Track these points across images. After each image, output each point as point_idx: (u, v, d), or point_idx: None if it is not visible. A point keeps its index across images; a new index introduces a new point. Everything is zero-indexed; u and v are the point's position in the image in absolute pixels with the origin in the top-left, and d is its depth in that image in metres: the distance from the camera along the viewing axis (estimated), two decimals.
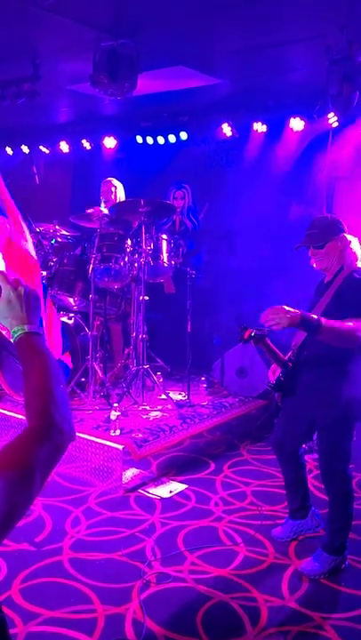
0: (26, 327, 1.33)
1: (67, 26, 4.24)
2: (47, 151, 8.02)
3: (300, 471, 3.67)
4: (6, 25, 4.36)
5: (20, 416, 5.13)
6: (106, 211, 5.88)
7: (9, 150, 8.35)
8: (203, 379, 6.11)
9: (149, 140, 7.16)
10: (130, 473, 4.57)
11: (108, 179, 6.30)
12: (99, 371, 5.31)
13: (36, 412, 1.13)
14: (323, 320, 2.91)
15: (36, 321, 1.34)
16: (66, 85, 5.90)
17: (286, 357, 3.35)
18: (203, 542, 3.64)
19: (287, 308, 2.91)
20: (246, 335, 3.13)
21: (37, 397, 1.17)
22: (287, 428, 3.58)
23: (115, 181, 6.26)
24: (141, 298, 5.27)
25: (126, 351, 5.76)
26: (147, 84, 4.88)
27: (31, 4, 3.84)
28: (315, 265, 3.33)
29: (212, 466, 4.86)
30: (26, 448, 1.05)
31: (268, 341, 3.21)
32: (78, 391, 5.30)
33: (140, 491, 4.37)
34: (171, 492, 4.36)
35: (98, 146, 7.61)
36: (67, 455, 4.68)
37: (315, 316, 2.94)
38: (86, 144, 7.66)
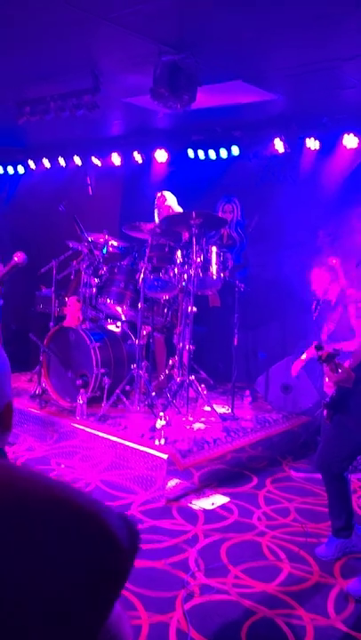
0: None
1: (129, 39, 4.33)
2: (99, 163, 8.16)
3: (346, 491, 3.61)
4: (69, 37, 4.47)
5: (66, 421, 5.20)
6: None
7: (62, 161, 8.53)
8: (247, 393, 6.09)
9: (201, 154, 7.22)
10: (172, 483, 4.57)
11: (163, 192, 6.38)
12: (144, 380, 5.34)
13: None
14: None
15: None
16: (121, 98, 6.00)
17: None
18: (246, 556, 3.61)
19: None
20: (325, 355, 3.14)
21: None
22: (335, 449, 3.53)
23: (168, 194, 6.33)
24: (190, 309, 5.30)
25: (171, 361, 5.78)
26: (203, 97, 4.93)
27: (96, 15, 3.94)
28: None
29: (255, 480, 4.82)
30: None
31: (337, 360, 3.21)
32: (123, 399, 5.34)
33: (182, 501, 4.36)
34: (213, 504, 4.34)
35: (149, 158, 7.71)
36: (110, 462, 4.72)
37: None
38: (138, 157, 7.77)
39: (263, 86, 5.34)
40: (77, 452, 5.07)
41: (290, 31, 4.25)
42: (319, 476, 3.88)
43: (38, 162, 8.84)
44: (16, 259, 4.00)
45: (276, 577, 3.39)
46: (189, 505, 4.30)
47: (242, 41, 4.44)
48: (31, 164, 8.94)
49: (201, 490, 4.58)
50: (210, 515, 4.17)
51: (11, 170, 9.34)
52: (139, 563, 3.45)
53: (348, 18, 3.97)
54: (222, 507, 4.31)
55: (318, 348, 3.19)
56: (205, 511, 4.22)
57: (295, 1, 3.76)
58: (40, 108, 5.42)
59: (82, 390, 5.25)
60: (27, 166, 9.06)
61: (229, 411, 5.54)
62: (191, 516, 4.14)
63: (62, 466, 4.88)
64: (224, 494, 4.51)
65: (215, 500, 4.39)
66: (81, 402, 5.14)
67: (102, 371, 5.37)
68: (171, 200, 6.32)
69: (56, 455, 5.06)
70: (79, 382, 5.32)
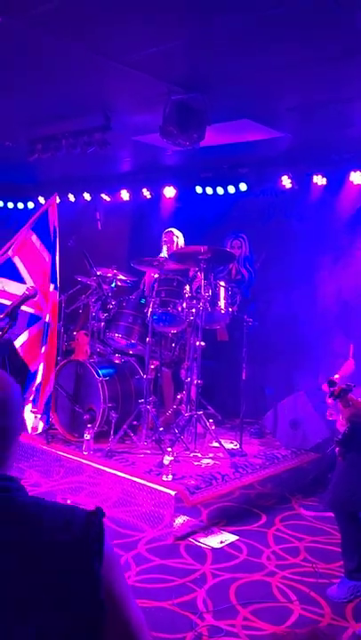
0: None
1: (140, 79, 4.44)
2: (108, 199, 8.28)
3: (360, 531, 3.54)
4: (82, 78, 4.59)
5: (72, 457, 5.15)
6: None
7: (71, 197, 8.66)
8: (254, 428, 6.03)
9: (209, 191, 7.31)
10: (180, 520, 4.49)
11: (171, 229, 6.44)
12: (152, 414, 5.30)
13: None
14: None
15: None
16: (131, 136, 6.12)
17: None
18: (256, 597, 3.52)
19: None
20: (337, 391, 3.12)
21: None
22: (348, 487, 3.47)
23: (176, 231, 6.39)
24: (198, 343, 5.29)
25: (179, 396, 5.75)
26: (212, 135, 5.01)
27: (109, 58, 4.04)
28: None
29: (264, 518, 4.74)
30: None
31: (351, 396, 3.18)
32: (131, 434, 5.30)
33: (190, 539, 4.28)
34: (221, 542, 4.26)
35: (157, 194, 7.82)
36: (117, 498, 4.66)
37: None
38: (146, 193, 7.88)
39: (271, 125, 5.44)
40: (84, 487, 5.01)
41: (299, 72, 4.34)
42: (330, 514, 3.81)
43: (48, 198, 8.97)
44: (27, 291, 4.02)
45: (286, 619, 3.30)
46: (197, 543, 4.22)
47: (250, 81, 4.54)
48: (41, 199, 9.08)
49: (209, 528, 4.50)
50: (218, 553, 4.09)
51: (21, 205, 9.48)
52: (146, 602, 3.37)
53: (356, 59, 4.06)
54: (231, 545, 4.22)
55: (331, 383, 3.17)
56: (214, 550, 4.13)
57: (304, 43, 3.86)
58: (52, 145, 5.53)
59: (89, 425, 5.22)
60: (36, 202, 9.20)
61: (238, 446, 5.48)
62: (199, 554, 4.06)
63: (68, 502, 4.81)
64: (232, 532, 4.42)
65: (223, 539, 4.31)
66: (88, 437, 5.10)
67: (110, 405, 5.34)
68: (178, 237, 6.38)
69: (62, 491, 5.00)
70: (87, 417, 5.29)
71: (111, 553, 1.14)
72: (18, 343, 4.67)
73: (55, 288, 4.82)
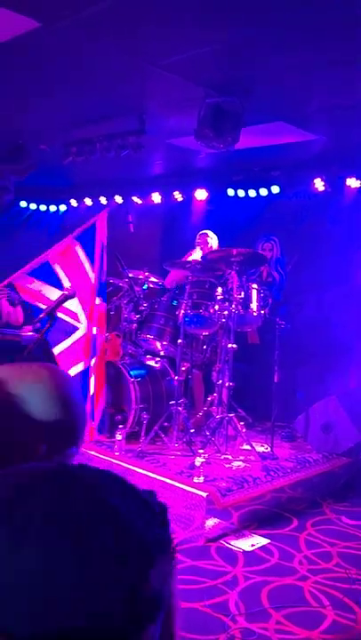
0: None
1: (175, 83, 4.47)
2: (140, 202, 8.34)
3: None
4: (119, 80, 4.63)
5: (104, 457, 5.18)
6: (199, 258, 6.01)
7: (103, 200, 8.74)
8: (286, 432, 6.00)
9: (241, 193, 7.31)
10: (211, 522, 4.49)
11: (205, 231, 6.45)
12: (183, 416, 5.32)
13: None
14: None
15: None
16: (164, 139, 6.15)
17: None
18: (288, 601, 3.50)
19: None
20: None
21: None
22: None
23: (211, 233, 6.40)
24: (230, 346, 5.29)
25: (210, 398, 5.75)
26: (245, 138, 5.01)
27: (146, 62, 4.08)
28: None
29: (295, 522, 4.71)
30: None
31: None
32: (162, 435, 5.32)
33: (221, 541, 4.28)
34: (253, 545, 4.24)
35: (189, 197, 7.84)
36: None
37: None
38: (178, 196, 7.91)
39: (305, 127, 5.41)
40: None
41: (333, 73, 4.32)
42: None
43: (80, 200, 9.07)
44: (65, 292, 4.08)
45: (319, 624, 3.28)
46: (229, 545, 4.22)
47: (285, 83, 4.53)
48: (73, 202, 9.18)
49: (240, 530, 4.49)
50: (250, 556, 4.08)
51: (53, 208, 9.60)
52: (179, 603, 3.37)
53: None
54: (262, 548, 4.21)
55: None
56: (245, 552, 4.13)
57: (339, 44, 3.84)
58: (86, 149, 5.59)
59: (120, 426, 5.25)
60: (68, 205, 9.31)
61: (269, 449, 5.45)
62: (230, 556, 4.05)
63: None
64: (264, 536, 4.41)
65: (255, 542, 4.30)
66: (119, 437, 5.14)
67: (141, 406, 5.37)
68: (213, 239, 6.39)
69: None
70: (118, 417, 5.33)
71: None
72: (57, 350, 4.77)
73: (103, 301, 4.92)
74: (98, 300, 4.87)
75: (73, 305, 4.81)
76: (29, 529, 0.57)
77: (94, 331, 4.83)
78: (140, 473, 4.81)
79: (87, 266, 4.95)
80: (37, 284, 4.70)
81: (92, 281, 4.93)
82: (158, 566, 0.61)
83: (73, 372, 4.87)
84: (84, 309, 4.91)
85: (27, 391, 1.11)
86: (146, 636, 0.61)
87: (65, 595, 0.55)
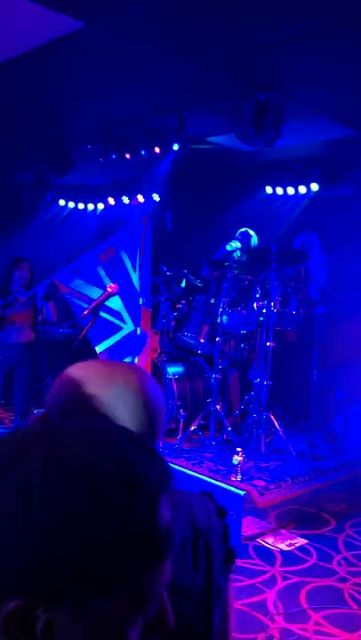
0: None
1: (216, 79, 4.46)
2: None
3: None
4: (158, 79, 4.65)
5: None
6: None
7: (140, 198, 8.77)
8: (324, 432, 5.94)
9: (279, 191, 7.25)
10: (247, 521, 4.48)
11: (245, 228, 6.43)
12: (220, 414, 5.31)
13: None
14: None
15: None
16: (204, 136, 6.15)
17: None
18: (327, 602, 3.47)
19: None
20: None
21: None
22: None
23: (251, 231, 6.38)
24: (268, 344, 5.26)
25: (247, 397, 5.72)
26: (285, 134, 4.98)
27: (187, 59, 4.08)
28: None
29: (333, 523, 4.66)
30: None
31: None
32: (199, 433, 5.32)
33: (258, 540, 4.26)
34: (291, 545, 4.22)
35: (226, 195, 7.80)
36: None
37: None
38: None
39: (347, 123, 5.34)
40: None
41: None
42: None
43: (118, 199, 9.12)
44: (109, 289, 4.12)
45: (360, 627, 3.24)
46: (266, 545, 4.20)
47: (327, 79, 4.48)
48: (111, 200, 9.24)
49: (278, 530, 4.46)
50: (287, 556, 4.05)
51: (91, 206, 9.68)
52: None
53: None
54: (300, 548, 4.18)
55: None
56: (283, 552, 4.10)
57: None
58: (126, 147, 5.62)
59: None
60: (106, 203, 9.37)
61: (306, 449, 5.40)
62: (268, 556, 4.04)
63: None
64: (302, 536, 4.37)
65: (293, 542, 4.27)
66: None
67: (178, 403, 5.38)
68: (252, 236, 6.36)
69: None
70: None
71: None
72: (100, 348, 4.84)
73: (143, 303, 4.97)
74: (140, 300, 4.92)
75: (117, 305, 4.88)
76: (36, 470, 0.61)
77: (138, 331, 4.89)
78: (178, 470, 4.83)
79: (129, 267, 5.00)
80: (78, 283, 4.77)
81: (135, 282, 4.99)
82: (164, 502, 0.66)
83: None
84: (127, 309, 4.97)
85: (116, 393, 1.06)
86: (157, 574, 0.64)
87: (78, 524, 0.59)
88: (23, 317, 5.58)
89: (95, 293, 4.68)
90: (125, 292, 4.96)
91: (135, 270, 5.00)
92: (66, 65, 4.47)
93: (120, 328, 4.93)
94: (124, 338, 4.99)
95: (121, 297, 4.77)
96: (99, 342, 4.88)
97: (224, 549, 1.14)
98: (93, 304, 3.79)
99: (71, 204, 9.70)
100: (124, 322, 4.98)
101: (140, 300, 4.90)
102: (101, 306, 3.91)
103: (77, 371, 1.11)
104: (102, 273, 4.85)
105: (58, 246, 9.11)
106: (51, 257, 8.74)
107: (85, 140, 6.40)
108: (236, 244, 6.00)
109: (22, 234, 8.95)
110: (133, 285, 4.96)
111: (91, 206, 9.67)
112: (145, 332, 4.94)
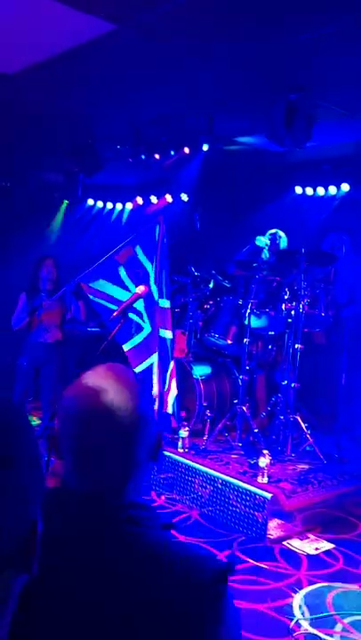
0: None
1: (245, 80, 4.44)
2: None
3: None
4: (188, 80, 4.65)
5: (168, 453, 5.22)
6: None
7: (168, 198, 8.78)
8: (352, 435, 5.87)
9: (309, 191, 7.20)
10: (273, 523, 4.46)
11: (274, 229, 6.39)
12: (247, 415, 5.29)
13: None
14: None
15: None
16: (232, 136, 6.13)
17: None
18: (354, 608, 3.43)
19: None
20: None
21: None
22: None
23: (280, 232, 6.34)
24: (297, 346, 5.22)
25: (274, 399, 5.70)
26: (315, 135, 4.94)
27: (217, 61, 4.08)
28: None
29: (360, 528, 4.61)
30: None
31: None
32: (225, 434, 5.32)
33: (284, 543, 4.24)
34: (317, 549, 4.19)
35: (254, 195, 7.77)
36: (210, 497, 4.69)
37: None
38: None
39: None
40: (177, 484, 5.07)
41: None
42: None
43: (145, 198, 9.15)
44: (138, 291, 4.14)
45: None
46: (292, 548, 4.17)
47: (358, 79, 4.43)
48: (139, 200, 9.26)
49: (304, 533, 4.43)
50: (314, 560, 4.02)
51: (119, 206, 9.72)
52: (242, 603, 3.37)
53: None
54: (326, 553, 4.14)
55: None
56: (309, 556, 4.07)
57: None
58: (155, 148, 5.64)
59: (185, 422, 5.28)
60: (135, 202, 9.40)
61: (335, 452, 5.36)
62: (294, 559, 4.01)
63: (163, 497, 4.91)
64: (328, 540, 4.34)
65: (319, 545, 4.23)
66: (184, 434, 5.17)
67: (205, 404, 5.39)
68: (281, 237, 6.33)
69: (156, 486, 5.10)
70: (183, 414, 5.36)
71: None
72: (126, 347, 4.88)
73: (166, 300, 5.02)
74: (161, 301, 4.96)
75: (140, 305, 4.91)
76: None
77: (161, 333, 4.94)
78: (204, 471, 4.83)
79: (148, 267, 5.03)
80: (103, 283, 4.82)
81: (152, 281, 5.02)
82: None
83: (141, 368, 4.97)
84: (146, 309, 5.00)
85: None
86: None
87: None
88: (50, 317, 5.62)
89: (118, 293, 4.72)
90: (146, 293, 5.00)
91: (152, 270, 5.02)
92: (96, 67, 4.50)
93: (142, 328, 4.97)
94: (145, 339, 5.04)
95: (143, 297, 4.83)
96: (125, 341, 4.92)
97: None
98: (123, 305, 3.82)
99: (100, 204, 9.77)
100: (145, 322, 5.02)
101: (157, 298, 4.93)
102: (130, 307, 3.93)
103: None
104: (123, 273, 4.89)
105: (86, 245, 9.18)
106: (79, 256, 8.82)
107: (115, 140, 6.43)
108: (266, 240, 5.96)
109: (51, 233, 9.05)
110: (150, 285, 4.99)
111: (119, 206, 9.72)
112: (165, 331, 4.99)
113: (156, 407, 5.16)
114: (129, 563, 0.99)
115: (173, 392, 5.09)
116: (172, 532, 1.16)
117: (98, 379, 1.09)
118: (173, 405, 5.09)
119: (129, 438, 1.07)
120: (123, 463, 1.07)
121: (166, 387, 5.06)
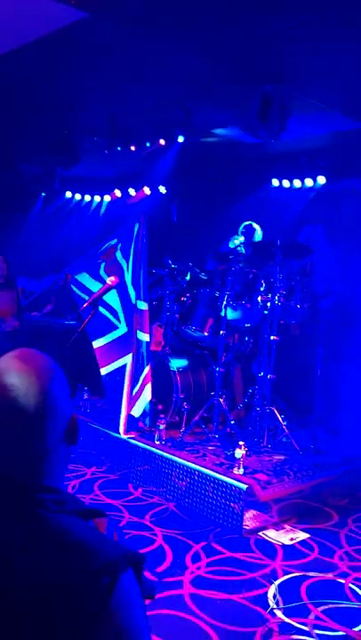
0: None
1: (221, 72, 4.42)
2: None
3: None
4: (163, 71, 4.61)
5: (144, 445, 5.21)
6: (243, 250, 5.96)
7: (147, 190, 8.74)
8: (328, 426, 5.92)
9: (285, 184, 7.21)
10: (249, 514, 4.48)
11: (249, 222, 6.39)
12: (224, 407, 5.30)
13: None
14: None
15: None
16: (209, 128, 6.11)
17: None
18: (327, 597, 3.47)
19: None
20: None
21: None
22: None
23: (255, 225, 6.34)
24: (272, 338, 5.24)
25: (251, 390, 5.71)
26: (293, 127, 4.94)
27: (192, 52, 4.05)
28: None
29: (335, 518, 4.65)
30: None
31: None
32: (202, 426, 5.32)
33: (260, 534, 4.26)
34: (292, 539, 4.21)
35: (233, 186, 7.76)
36: (187, 489, 4.69)
37: None
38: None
39: (354, 115, 5.29)
40: (154, 476, 5.07)
41: None
42: None
43: (123, 191, 9.10)
44: (109, 282, 4.13)
45: (359, 621, 3.23)
46: (268, 538, 4.20)
47: (335, 71, 4.43)
48: (117, 192, 9.21)
49: (279, 524, 4.46)
50: (289, 550, 4.05)
51: (97, 198, 9.66)
52: (216, 594, 3.38)
53: None
54: (302, 543, 4.17)
55: None
56: (284, 546, 4.10)
57: None
58: (131, 139, 5.60)
59: (162, 415, 5.28)
60: (112, 195, 9.34)
61: (310, 444, 5.39)
62: (269, 550, 4.03)
63: (140, 490, 4.90)
64: (303, 530, 4.37)
65: (294, 536, 4.26)
66: (161, 427, 5.16)
67: (182, 396, 5.38)
68: (256, 229, 6.33)
69: (133, 478, 5.09)
70: (160, 407, 5.35)
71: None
72: (95, 345, 4.88)
73: (144, 301, 5.02)
74: (139, 303, 4.97)
75: (116, 303, 4.90)
76: None
77: (139, 335, 4.96)
78: (180, 463, 4.82)
79: (123, 264, 5.02)
80: (84, 276, 4.82)
81: (129, 282, 5.01)
82: None
83: (109, 369, 4.99)
84: (123, 309, 5.00)
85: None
86: None
87: None
88: (5, 308, 5.79)
89: (94, 286, 4.73)
90: (122, 291, 4.98)
91: (128, 270, 5.01)
92: (70, 56, 4.44)
93: (116, 327, 4.97)
94: (118, 339, 5.03)
95: (118, 294, 4.81)
96: (95, 338, 4.91)
97: None
98: (93, 296, 3.80)
99: (77, 196, 9.69)
100: (120, 321, 5.01)
101: (134, 300, 4.93)
102: (100, 299, 3.91)
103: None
104: (102, 269, 4.90)
105: (65, 238, 9.12)
106: (58, 248, 8.76)
107: (91, 132, 6.37)
108: (239, 240, 5.96)
109: (28, 225, 8.96)
110: (127, 285, 4.98)
111: (97, 198, 9.66)
112: (142, 333, 5.00)
113: (124, 407, 5.17)
114: (31, 547, 0.99)
115: (146, 397, 5.10)
116: (96, 519, 1.14)
117: (4, 361, 1.11)
118: (145, 408, 5.10)
119: (32, 421, 1.06)
120: (28, 445, 1.07)
121: (137, 389, 5.07)
